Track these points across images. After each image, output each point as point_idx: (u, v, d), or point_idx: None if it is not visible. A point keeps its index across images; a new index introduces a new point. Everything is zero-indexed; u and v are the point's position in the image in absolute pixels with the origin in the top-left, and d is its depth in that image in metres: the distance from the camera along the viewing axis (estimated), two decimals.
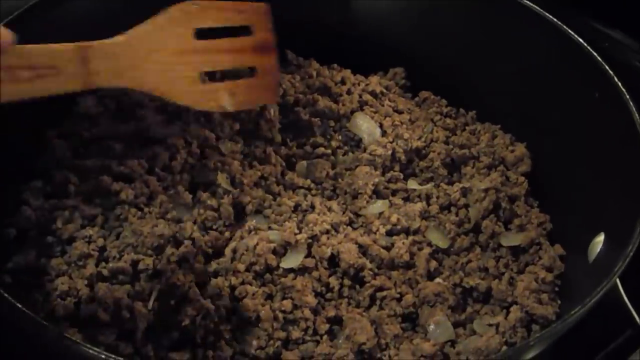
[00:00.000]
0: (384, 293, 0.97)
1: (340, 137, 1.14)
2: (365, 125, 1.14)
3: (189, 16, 0.98)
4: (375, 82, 1.21)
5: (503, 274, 1.01)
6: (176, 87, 0.98)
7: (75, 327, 0.90)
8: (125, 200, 1.01)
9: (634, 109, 0.98)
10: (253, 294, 0.93)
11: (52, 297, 0.91)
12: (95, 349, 0.74)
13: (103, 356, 0.74)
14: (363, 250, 1.00)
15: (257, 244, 0.96)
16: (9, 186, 1.01)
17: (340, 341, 0.92)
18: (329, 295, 0.96)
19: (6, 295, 0.78)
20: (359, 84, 1.20)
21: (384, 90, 1.21)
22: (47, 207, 1.01)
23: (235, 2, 1.05)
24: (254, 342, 0.90)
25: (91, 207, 1.01)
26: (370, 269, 0.98)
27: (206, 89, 1.02)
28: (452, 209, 1.07)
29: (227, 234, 1.00)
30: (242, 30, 1.05)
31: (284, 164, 1.10)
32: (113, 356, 0.73)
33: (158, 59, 0.95)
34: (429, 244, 1.03)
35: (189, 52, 0.99)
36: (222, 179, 1.04)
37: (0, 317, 0.87)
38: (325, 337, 0.93)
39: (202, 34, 1.00)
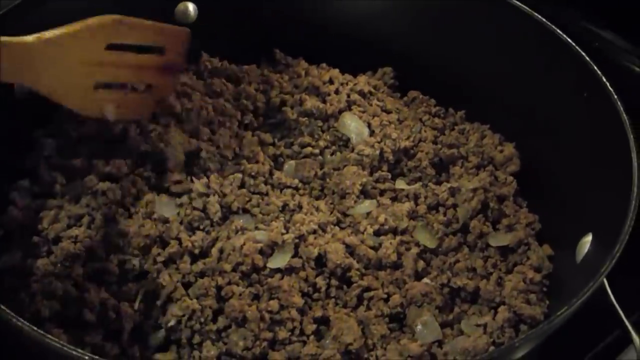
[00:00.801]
0: (371, 293, 0.96)
1: (328, 137, 1.13)
2: (353, 125, 1.13)
3: (105, 30, 0.98)
4: (363, 81, 1.20)
5: (491, 274, 1.01)
6: (69, 92, 0.97)
7: (61, 328, 0.90)
8: (112, 200, 1.01)
9: (622, 109, 0.98)
10: (239, 294, 0.93)
11: (37, 298, 0.91)
12: (79, 350, 0.74)
13: (87, 357, 0.73)
14: (350, 250, 0.99)
15: (244, 244, 0.95)
16: None
17: (327, 341, 0.92)
18: (316, 295, 0.96)
19: None
20: (347, 84, 1.20)
21: (373, 90, 1.20)
22: (34, 207, 1.01)
23: (156, 24, 1.05)
24: (241, 343, 0.89)
25: (78, 207, 1.01)
26: (358, 269, 0.98)
27: (96, 97, 1.01)
28: (440, 208, 1.07)
29: (213, 233, 0.99)
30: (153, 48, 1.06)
31: (272, 163, 1.09)
32: (97, 357, 0.73)
33: (62, 65, 0.94)
34: (417, 244, 1.02)
35: (95, 63, 0.98)
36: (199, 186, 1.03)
37: None
38: (312, 337, 0.92)
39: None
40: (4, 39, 0.88)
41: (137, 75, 1.05)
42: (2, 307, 0.77)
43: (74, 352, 0.73)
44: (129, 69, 1.03)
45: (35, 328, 0.76)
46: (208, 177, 1.04)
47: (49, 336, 0.75)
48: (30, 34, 0.97)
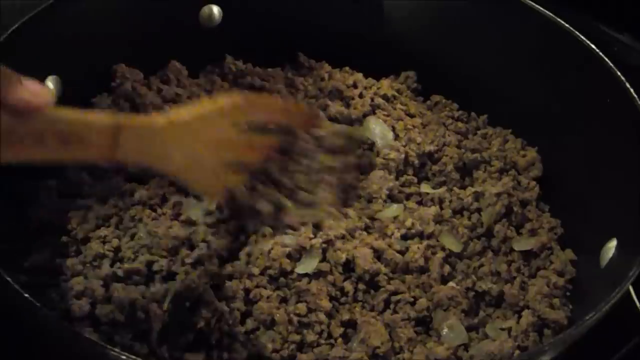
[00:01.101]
0: (398, 297, 0.97)
1: None
2: (378, 129, 1.13)
3: (236, 110, 0.88)
4: (386, 85, 1.21)
5: (515, 278, 1.01)
6: (197, 175, 0.88)
7: (91, 327, 0.90)
8: (140, 201, 1.02)
9: None
10: (268, 297, 0.93)
11: (67, 297, 0.91)
12: (116, 349, 0.75)
13: (123, 357, 0.74)
14: (378, 254, 1.00)
15: (272, 248, 0.96)
16: (24, 185, 1.01)
17: (354, 344, 0.92)
18: (343, 299, 0.96)
19: (27, 295, 0.78)
20: (370, 88, 1.20)
21: (396, 94, 1.20)
22: (62, 207, 1.01)
23: (285, 103, 1.01)
24: (269, 345, 0.90)
25: (106, 208, 1.02)
26: (385, 274, 0.98)
27: (222, 178, 0.90)
28: (465, 213, 1.07)
29: (241, 237, 1.00)
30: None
31: None
32: (133, 357, 0.74)
33: (189, 146, 0.85)
34: (443, 248, 1.03)
35: (222, 144, 0.89)
36: None
37: (14, 317, 0.88)
38: (339, 340, 0.93)
39: None
40: (130, 119, 0.81)
41: (262, 157, 0.94)
42: (39, 306, 0.77)
43: (112, 352, 0.74)
44: (256, 150, 0.92)
45: (72, 327, 0.76)
46: None
47: (86, 336, 0.76)
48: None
